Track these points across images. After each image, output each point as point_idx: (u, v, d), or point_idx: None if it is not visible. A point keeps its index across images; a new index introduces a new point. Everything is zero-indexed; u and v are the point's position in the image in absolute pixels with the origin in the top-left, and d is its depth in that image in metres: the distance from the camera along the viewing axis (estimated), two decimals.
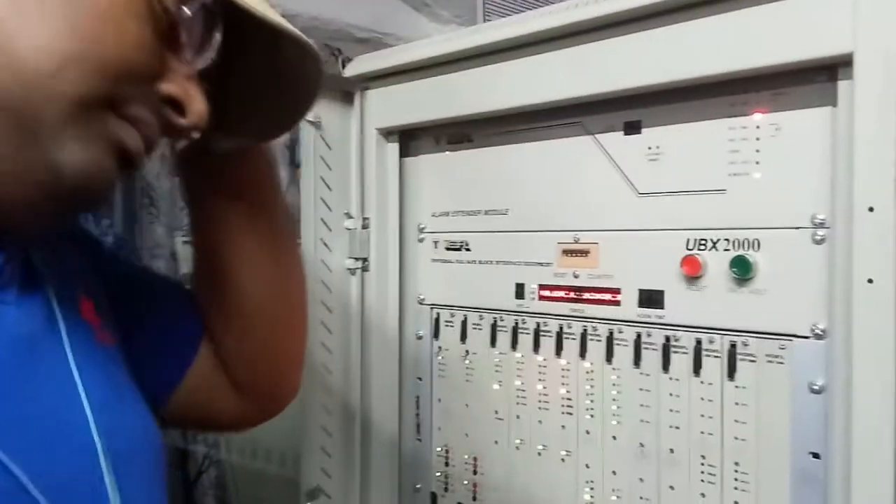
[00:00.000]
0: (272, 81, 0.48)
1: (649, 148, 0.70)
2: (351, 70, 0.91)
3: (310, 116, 0.86)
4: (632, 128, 0.71)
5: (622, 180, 0.71)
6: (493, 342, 0.82)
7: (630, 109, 0.71)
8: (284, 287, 0.57)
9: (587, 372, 0.74)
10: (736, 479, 0.64)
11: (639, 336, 0.70)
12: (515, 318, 0.80)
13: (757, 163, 0.63)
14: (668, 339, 0.68)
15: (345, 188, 0.90)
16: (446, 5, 1.75)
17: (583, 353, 0.75)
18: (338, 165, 0.89)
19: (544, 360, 0.78)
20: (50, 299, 0.42)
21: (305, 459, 0.88)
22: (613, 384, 0.72)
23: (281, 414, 0.61)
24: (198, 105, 0.41)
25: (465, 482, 0.85)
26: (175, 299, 0.57)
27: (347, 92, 0.90)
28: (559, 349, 0.76)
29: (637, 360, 0.70)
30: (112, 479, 0.40)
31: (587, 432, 0.74)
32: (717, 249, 0.65)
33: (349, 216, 0.90)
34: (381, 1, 1.71)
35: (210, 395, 0.56)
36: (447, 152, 0.88)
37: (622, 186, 0.71)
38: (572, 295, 0.75)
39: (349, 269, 0.90)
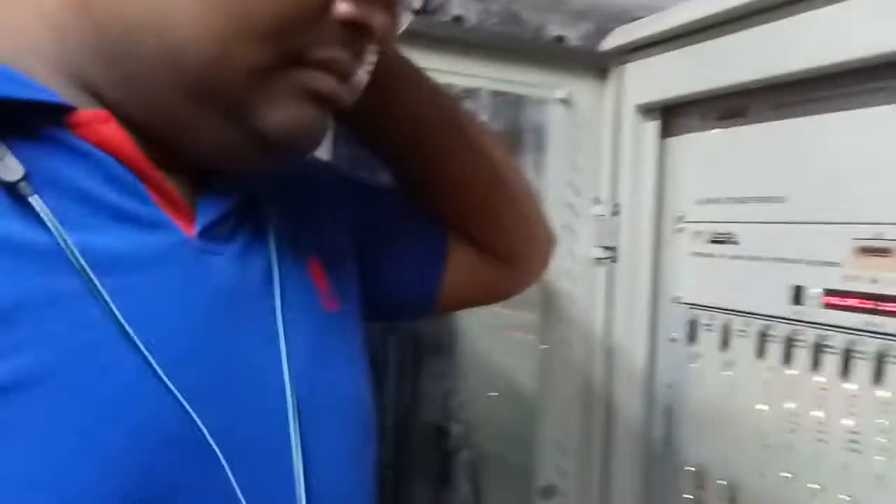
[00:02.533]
0: None
1: None
2: (608, 43, 0.84)
3: (559, 94, 0.81)
4: None
5: None
6: (760, 354, 0.69)
7: None
8: (482, 156, 0.56)
9: (883, 403, 0.58)
10: None
11: None
12: (790, 327, 0.66)
13: None
14: None
15: (595, 171, 0.83)
16: None
17: (878, 378, 0.59)
18: (588, 146, 0.83)
19: (826, 382, 0.63)
20: (271, 257, 0.42)
21: (540, 455, 0.84)
22: None
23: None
24: (379, 18, 0.37)
25: None
26: (411, 207, 0.57)
27: (602, 68, 0.82)
28: (846, 370, 0.61)
29: None
30: (298, 447, 0.39)
31: (879, 478, 0.58)
32: None
33: (598, 201, 0.83)
34: None
35: (471, 275, 0.58)
36: (716, 130, 0.76)
37: None
38: (868, 305, 0.60)
39: (596, 258, 0.83)
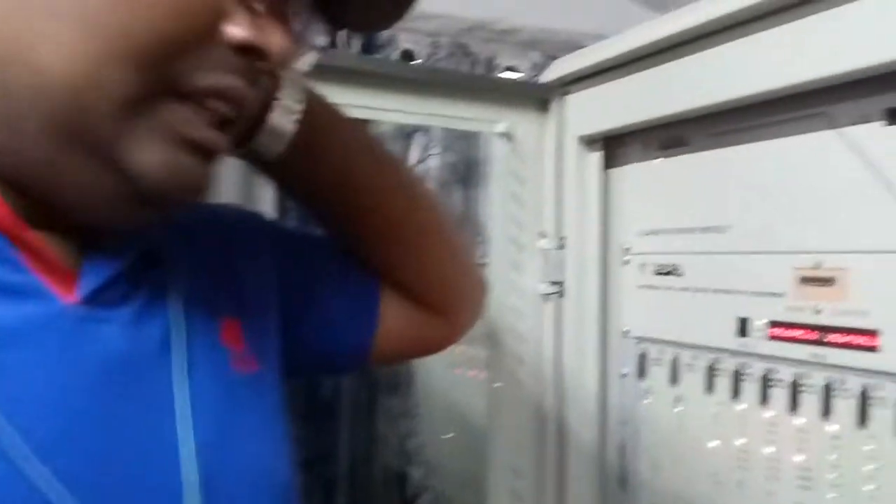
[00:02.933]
0: None
1: None
2: (549, 74, 0.83)
3: (500, 127, 0.79)
4: (895, 116, 0.53)
5: (881, 186, 0.54)
6: (709, 387, 0.67)
7: (893, 92, 0.53)
8: (412, 202, 0.53)
9: (832, 437, 0.57)
10: None
11: None
12: (737, 360, 0.65)
13: None
14: None
15: (538, 205, 0.81)
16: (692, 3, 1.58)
17: (826, 411, 0.57)
18: (531, 179, 0.81)
19: (775, 416, 0.61)
20: (170, 319, 0.39)
21: (492, 499, 0.81)
22: (869, 457, 0.54)
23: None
24: (275, 39, 0.33)
25: None
26: (342, 258, 0.55)
27: (543, 99, 0.81)
28: (794, 404, 0.60)
29: None
30: None
31: None
32: None
33: (543, 235, 0.81)
34: (614, 4, 1.60)
35: (403, 327, 0.55)
36: (658, 160, 0.75)
37: (881, 194, 0.54)
38: (813, 336, 0.58)
39: (543, 294, 0.81)
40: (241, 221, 0.51)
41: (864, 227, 0.55)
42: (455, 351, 1.20)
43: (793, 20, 0.56)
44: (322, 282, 0.53)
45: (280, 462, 0.44)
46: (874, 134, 0.54)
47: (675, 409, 0.71)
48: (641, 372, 0.75)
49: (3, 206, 0.32)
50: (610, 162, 0.81)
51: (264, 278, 0.49)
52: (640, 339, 0.76)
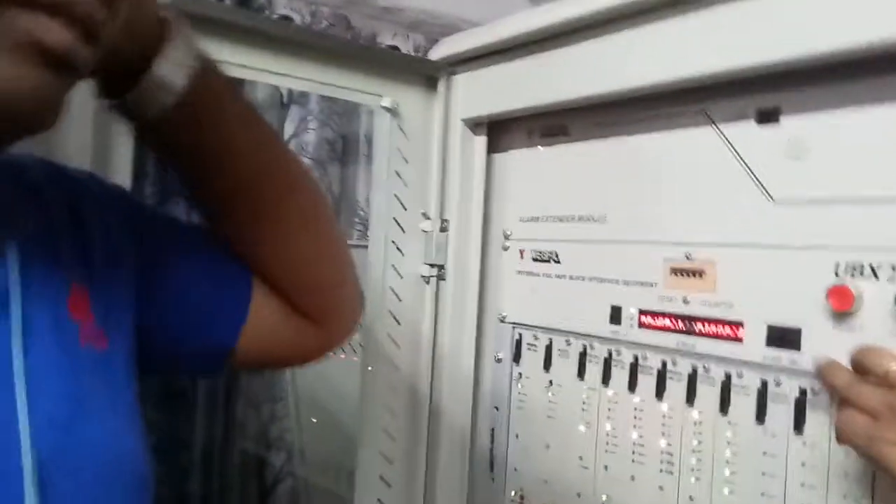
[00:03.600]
0: None
1: (789, 141, 0.54)
2: (437, 52, 0.81)
3: (386, 102, 0.76)
4: (767, 116, 0.56)
5: (752, 182, 0.56)
6: (580, 373, 0.69)
7: (765, 93, 0.56)
8: (295, 189, 0.50)
9: (695, 423, 0.59)
10: None
11: (765, 384, 0.55)
12: (609, 347, 0.66)
13: None
14: (803, 391, 0.52)
15: (423, 185, 0.79)
16: None
17: (690, 398, 0.60)
18: (416, 159, 0.79)
19: (641, 401, 0.63)
20: (8, 284, 0.34)
21: (360, 485, 0.78)
22: (728, 442, 0.57)
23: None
24: None
25: None
26: (214, 248, 0.50)
27: (431, 77, 0.79)
28: (661, 390, 0.62)
29: (761, 415, 0.55)
30: None
31: (690, 498, 0.59)
32: (877, 278, 0.49)
33: (426, 217, 0.79)
34: None
35: (273, 331, 0.50)
36: (539, 147, 0.76)
37: (751, 190, 0.56)
38: (680, 325, 0.60)
39: (423, 276, 0.79)
40: (97, 188, 0.46)
41: (733, 221, 0.57)
42: None
43: (674, 17, 0.58)
44: (187, 267, 0.48)
45: (132, 447, 0.40)
46: (747, 132, 0.57)
47: (548, 395, 0.72)
48: (517, 357, 0.76)
49: None
50: (494, 146, 0.80)
51: (118, 251, 0.43)
52: (517, 325, 0.76)
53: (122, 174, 0.63)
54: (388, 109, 0.77)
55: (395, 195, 0.79)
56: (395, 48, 1.45)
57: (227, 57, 0.64)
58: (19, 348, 0.34)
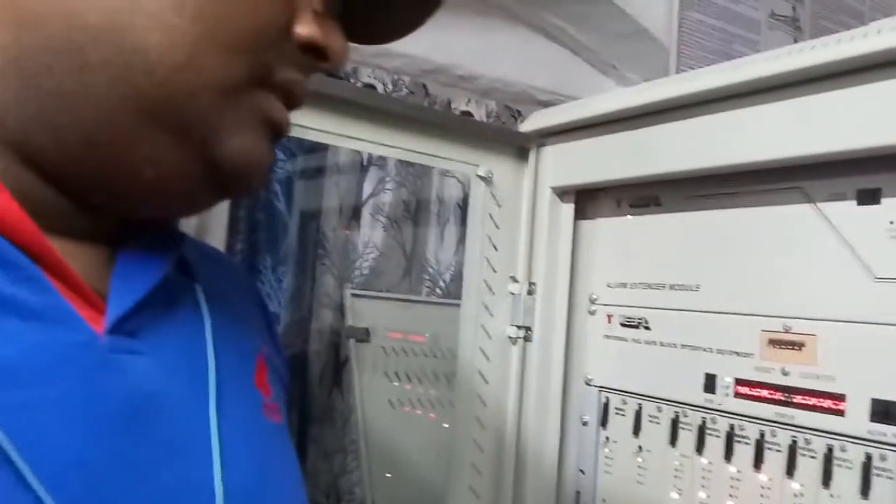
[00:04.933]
0: None
1: (891, 223, 0.56)
2: (528, 125, 0.85)
3: (481, 171, 0.81)
4: (868, 197, 0.58)
5: (853, 259, 0.58)
6: (672, 441, 0.70)
7: (866, 175, 0.58)
8: None
9: (795, 495, 0.60)
10: None
11: (869, 459, 0.55)
12: (703, 415, 0.67)
13: None
14: None
15: (512, 249, 0.83)
16: (635, 67, 1.66)
17: (790, 470, 0.60)
18: (506, 224, 0.83)
19: (738, 472, 0.64)
20: (207, 354, 0.35)
21: None
22: None
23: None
24: (337, 41, 0.35)
25: None
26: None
27: (523, 148, 0.83)
28: (759, 461, 0.62)
29: (865, 490, 0.55)
30: None
31: None
32: None
33: (514, 280, 0.83)
34: (565, 63, 1.67)
35: None
36: (629, 216, 0.79)
37: (852, 267, 0.58)
38: (779, 396, 0.61)
39: (510, 337, 0.82)
40: (237, 267, 0.50)
41: (833, 296, 0.59)
42: (404, 388, 1.19)
43: (773, 101, 0.61)
44: None
45: None
46: (847, 211, 0.59)
47: (637, 460, 0.73)
48: (604, 421, 0.77)
49: (29, 221, 0.28)
50: (581, 214, 0.83)
51: (266, 331, 0.46)
52: (603, 389, 0.78)
53: (216, 235, 0.68)
54: (482, 178, 0.81)
55: (486, 258, 0.82)
56: (469, 114, 1.51)
57: (335, 129, 0.70)
58: (215, 418, 0.34)
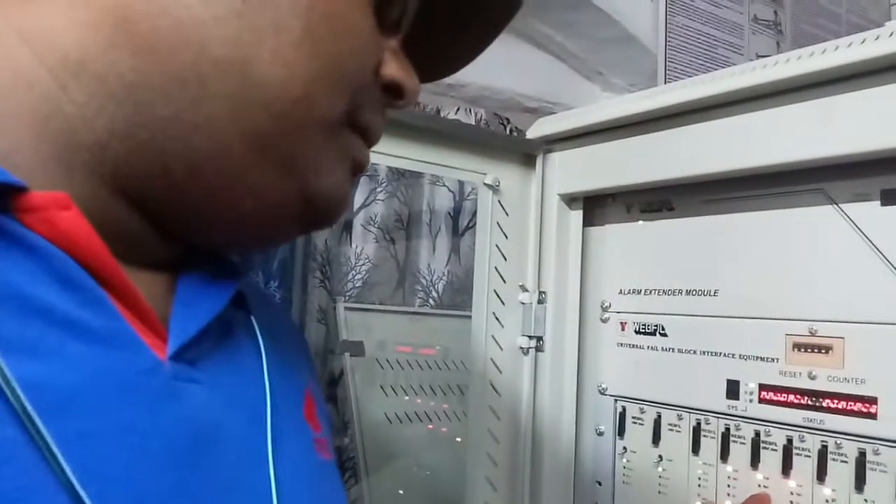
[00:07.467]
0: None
1: None
2: (534, 131, 0.84)
3: (488, 179, 0.79)
4: (892, 197, 0.57)
5: (878, 260, 0.57)
6: (695, 449, 0.69)
7: (890, 175, 0.57)
8: None
9: (827, 500, 0.59)
10: None
11: None
12: (727, 422, 0.66)
13: None
14: None
15: (521, 258, 0.81)
16: (621, 73, 1.66)
17: (821, 475, 0.59)
18: (515, 233, 0.81)
19: (766, 479, 0.63)
20: (265, 386, 0.34)
21: None
22: None
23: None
24: (415, 81, 0.36)
25: None
26: None
27: (529, 155, 0.82)
28: (787, 467, 0.61)
29: None
30: None
31: None
32: None
33: (524, 289, 0.81)
34: (551, 70, 1.67)
35: None
36: (640, 222, 0.78)
37: (878, 268, 0.57)
38: (807, 401, 0.61)
39: (522, 347, 0.80)
40: (280, 306, 0.49)
41: (859, 297, 0.58)
42: (415, 401, 1.17)
43: (794, 102, 0.60)
44: None
45: None
46: (871, 212, 0.58)
47: (658, 469, 0.72)
48: (620, 431, 0.76)
49: (100, 242, 0.27)
50: (590, 220, 0.82)
51: (309, 366, 0.45)
52: (619, 398, 0.77)
53: None
54: (490, 186, 0.80)
55: (496, 268, 0.80)
56: (457, 121, 1.50)
57: None
58: (271, 452, 0.33)
